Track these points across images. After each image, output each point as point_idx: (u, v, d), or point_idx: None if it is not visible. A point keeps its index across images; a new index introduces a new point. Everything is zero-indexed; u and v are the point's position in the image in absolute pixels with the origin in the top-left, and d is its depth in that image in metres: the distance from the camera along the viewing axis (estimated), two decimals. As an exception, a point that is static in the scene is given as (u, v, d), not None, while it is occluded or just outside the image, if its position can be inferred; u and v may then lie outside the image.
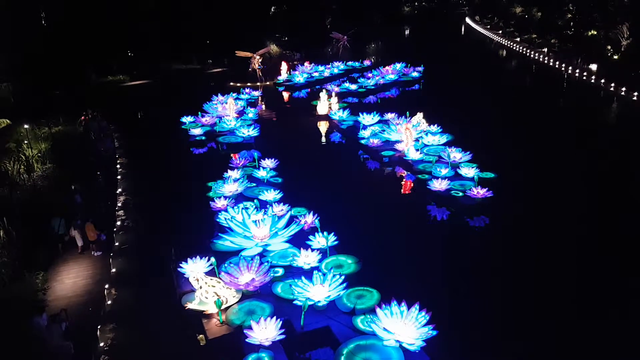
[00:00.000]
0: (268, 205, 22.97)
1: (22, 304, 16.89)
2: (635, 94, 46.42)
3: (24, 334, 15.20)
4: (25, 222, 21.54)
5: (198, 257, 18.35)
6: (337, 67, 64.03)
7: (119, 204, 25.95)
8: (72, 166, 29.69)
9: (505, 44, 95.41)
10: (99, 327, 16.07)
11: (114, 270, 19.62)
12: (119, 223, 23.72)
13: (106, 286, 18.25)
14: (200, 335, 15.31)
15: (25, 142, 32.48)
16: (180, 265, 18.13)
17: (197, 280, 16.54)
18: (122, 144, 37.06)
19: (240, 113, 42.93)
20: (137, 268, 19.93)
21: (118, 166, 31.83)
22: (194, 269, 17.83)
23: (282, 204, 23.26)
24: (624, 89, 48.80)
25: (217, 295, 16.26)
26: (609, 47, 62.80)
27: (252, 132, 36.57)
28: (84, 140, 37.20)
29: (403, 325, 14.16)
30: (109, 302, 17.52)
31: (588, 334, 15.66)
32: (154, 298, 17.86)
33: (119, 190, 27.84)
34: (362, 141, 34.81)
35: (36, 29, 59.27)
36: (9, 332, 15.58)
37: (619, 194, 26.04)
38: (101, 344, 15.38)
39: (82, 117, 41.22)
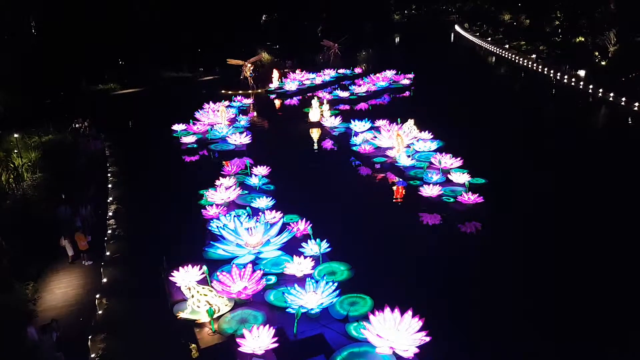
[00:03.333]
0: (260, 213, 22.93)
1: (12, 314, 16.68)
2: (623, 99, 47.03)
3: (14, 345, 15.01)
4: (15, 231, 21.32)
5: (190, 265, 18.27)
6: (329, 74, 64.31)
7: (110, 213, 25.79)
8: (62, 175, 29.48)
9: (495, 50, 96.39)
10: (90, 337, 15.92)
11: (105, 279, 19.46)
12: (110, 232, 23.56)
13: (97, 296, 18.10)
14: (193, 345, 15.20)
15: (15, 151, 32.20)
16: (172, 274, 18.03)
17: (189, 289, 16.46)
18: (113, 153, 36.88)
19: (232, 121, 42.96)
20: (128, 277, 19.78)
21: (109, 175, 31.65)
22: (186, 277, 17.75)
23: (274, 211, 23.24)
24: (612, 94, 49.44)
25: (209, 304, 16.18)
26: (597, 54, 63.66)
27: (244, 139, 36.59)
28: (75, 149, 36.99)
29: (396, 332, 14.16)
30: (100, 312, 17.36)
31: (586, 336, 15.82)
32: (145, 307, 17.71)
33: (110, 198, 27.66)
34: (354, 148, 34.93)
35: (26, 38, 58.91)
36: (-1, 344, 15.39)
37: (611, 197, 26.28)
38: (92, 355, 15.22)
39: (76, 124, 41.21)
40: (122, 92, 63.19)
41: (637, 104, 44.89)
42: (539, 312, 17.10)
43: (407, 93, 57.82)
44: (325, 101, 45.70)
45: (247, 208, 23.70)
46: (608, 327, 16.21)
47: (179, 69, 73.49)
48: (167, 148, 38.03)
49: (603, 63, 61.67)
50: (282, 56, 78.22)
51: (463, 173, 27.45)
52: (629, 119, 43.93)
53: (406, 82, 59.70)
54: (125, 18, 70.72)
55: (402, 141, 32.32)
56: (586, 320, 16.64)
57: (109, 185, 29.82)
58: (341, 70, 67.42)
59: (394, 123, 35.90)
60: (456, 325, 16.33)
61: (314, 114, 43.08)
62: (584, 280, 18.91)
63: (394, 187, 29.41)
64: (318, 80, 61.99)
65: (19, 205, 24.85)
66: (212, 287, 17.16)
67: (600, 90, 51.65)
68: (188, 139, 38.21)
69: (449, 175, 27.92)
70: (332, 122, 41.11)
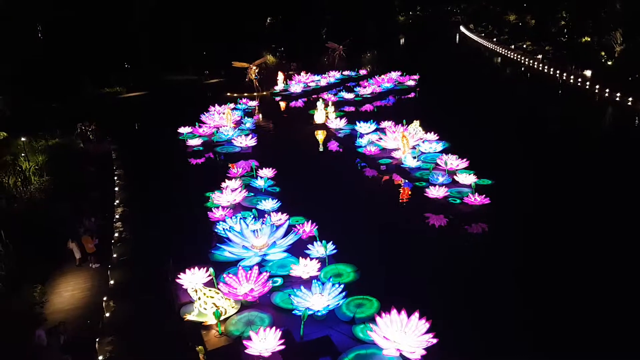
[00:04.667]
0: (266, 215, 22.95)
1: (20, 317, 16.78)
2: (630, 99, 46.73)
3: (22, 348, 15.10)
4: (22, 234, 21.45)
5: (196, 267, 18.30)
6: (334, 76, 64.37)
7: (117, 216, 25.89)
8: (69, 178, 29.65)
9: (500, 51, 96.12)
10: (97, 339, 15.97)
11: (112, 282, 19.53)
12: (116, 235, 23.65)
13: (104, 298, 18.16)
14: (200, 347, 15.22)
15: (22, 154, 32.43)
16: (179, 276, 18.07)
17: (196, 291, 16.48)
18: (120, 155, 37.04)
19: (238, 123, 43.06)
20: (135, 280, 19.83)
21: (116, 177, 31.78)
22: (193, 279, 17.79)
23: (280, 213, 23.26)
24: (618, 94, 49.15)
25: (216, 306, 16.20)
26: (603, 53, 63.35)
27: (249, 141, 36.67)
28: (81, 153, 37.22)
29: (403, 334, 14.11)
30: (107, 315, 17.41)
31: (590, 339, 15.70)
32: (152, 310, 17.76)
33: (117, 201, 27.77)
34: (359, 149, 34.91)
35: (32, 41, 59.40)
36: (7, 347, 15.46)
37: (618, 198, 26.11)
38: (100, 357, 15.26)
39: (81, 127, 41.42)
40: (128, 95, 63.50)
41: (644, 104, 44.65)
42: (548, 314, 16.99)
43: (412, 94, 57.76)
44: (330, 103, 45.72)
45: (253, 210, 23.72)
46: (615, 329, 16.12)
47: (185, 72, 73.80)
48: (173, 151, 38.16)
49: (609, 63, 61.35)
50: (287, 58, 78.41)
51: (469, 174, 27.35)
52: (636, 119, 43.65)
53: (411, 83, 59.65)
54: (130, 21, 71.12)
55: (408, 142, 32.26)
56: (594, 323, 16.52)
57: (116, 188, 29.94)
58: (346, 72, 67.44)
59: (400, 124, 35.86)
60: (463, 327, 16.24)
61: (319, 116, 43.11)
62: (593, 282, 18.76)
63: (400, 189, 29.36)
64: (323, 82, 62.06)
65: (26, 208, 25.02)
66: (218, 289, 17.18)
67: (607, 90, 51.35)
68: (194, 142, 38.33)
69: (455, 177, 27.82)
70: (337, 123, 41.13)
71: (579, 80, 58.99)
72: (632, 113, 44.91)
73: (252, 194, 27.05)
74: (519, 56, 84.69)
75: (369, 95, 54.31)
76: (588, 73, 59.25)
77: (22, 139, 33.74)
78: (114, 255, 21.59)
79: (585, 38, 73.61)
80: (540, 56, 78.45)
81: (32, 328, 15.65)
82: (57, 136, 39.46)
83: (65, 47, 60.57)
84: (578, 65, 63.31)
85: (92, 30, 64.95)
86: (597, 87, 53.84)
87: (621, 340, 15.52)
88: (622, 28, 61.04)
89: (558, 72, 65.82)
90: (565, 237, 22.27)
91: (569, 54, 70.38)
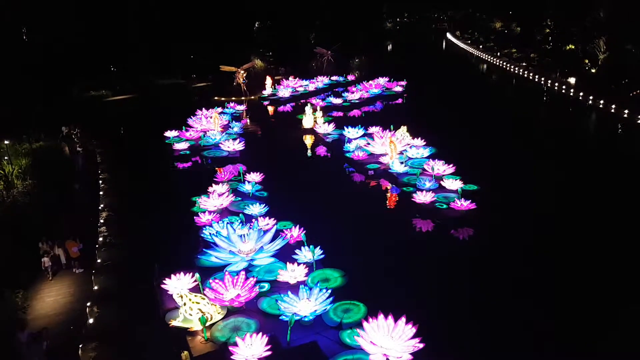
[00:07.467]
0: (254, 220, 22.83)
1: (1, 323, 16.44)
2: (613, 106, 47.51)
3: (3, 354, 14.81)
4: (5, 239, 21.07)
5: (182, 273, 18.13)
6: (322, 81, 64.54)
7: (102, 220, 25.58)
8: (53, 182, 29.24)
9: (486, 58, 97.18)
10: (80, 346, 15.72)
11: (96, 287, 19.26)
12: (101, 239, 23.36)
13: (88, 304, 17.90)
14: (185, 353, 15.05)
15: (5, 158, 31.90)
16: (164, 281, 17.88)
17: (181, 296, 16.32)
18: (105, 159, 36.65)
19: (225, 127, 42.91)
20: (119, 285, 19.58)
21: (100, 181, 31.43)
22: (178, 285, 17.61)
23: (267, 218, 23.17)
24: (602, 101, 49.94)
25: (202, 312, 16.05)
26: (587, 61, 64.36)
27: (237, 146, 36.53)
28: (65, 156, 36.72)
29: (390, 339, 14.10)
30: (91, 320, 17.15)
31: (579, 340, 15.85)
32: (137, 315, 17.53)
33: (102, 206, 27.45)
34: (347, 154, 34.98)
35: (17, 45, 58.65)
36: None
37: (601, 201, 26.46)
38: (83, 364, 15.05)
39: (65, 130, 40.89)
40: (114, 98, 62.93)
41: (626, 111, 45.36)
42: (533, 318, 17.08)
43: (399, 100, 58.09)
44: (318, 108, 45.78)
45: (240, 215, 23.62)
46: (603, 331, 16.31)
47: (172, 76, 73.38)
48: (159, 155, 37.85)
49: (593, 70, 62.35)
50: (275, 63, 78.42)
51: (455, 180, 27.53)
52: (619, 126, 44.37)
53: (399, 89, 60.01)
54: (117, 24, 70.60)
55: (395, 148, 32.40)
56: (584, 328, 16.66)
57: (100, 192, 29.59)
58: (334, 77, 67.66)
59: (387, 130, 36.01)
60: (450, 331, 16.28)
61: (307, 121, 43.13)
62: (579, 285, 18.95)
63: (388, 194, 29.44)
64: (311, 87, 62.17)
65: (9, 212, 24.59)
66: (204, 294, 17.03)
67: (591, 97, 52.13)
68: (181, 146, 38.09)
69: (441, 182, 27.98)
70: (325, 128, 41.19)
71: (564, 87, 59.84)
72: (616, 120, 45.62)
73: (240, 198, 26.93)
74: (504, 63, 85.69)
75: (357, 101, 54.50)
76: (572, 80, 60.15)
77: (5, 142, 33.22)
78: (98, 260, 21.31)
79: (570, 46, 74.77)
80: (525, 63, 79.47)
81: (16, 330, 15.32)
82: (41, 139, 38.89)
83: (51, 50, 59.90)
84: (562, 72, 64.25)
85: (79, 33, 64.34)
86: (581, 94, 54.65)
87: (616, 340, 15.69)
88: (606, 36, 62.11)
89: (543, 79, 66.72)
90: (550, 240, 22.48)
91: (554, 61, 71.38)
